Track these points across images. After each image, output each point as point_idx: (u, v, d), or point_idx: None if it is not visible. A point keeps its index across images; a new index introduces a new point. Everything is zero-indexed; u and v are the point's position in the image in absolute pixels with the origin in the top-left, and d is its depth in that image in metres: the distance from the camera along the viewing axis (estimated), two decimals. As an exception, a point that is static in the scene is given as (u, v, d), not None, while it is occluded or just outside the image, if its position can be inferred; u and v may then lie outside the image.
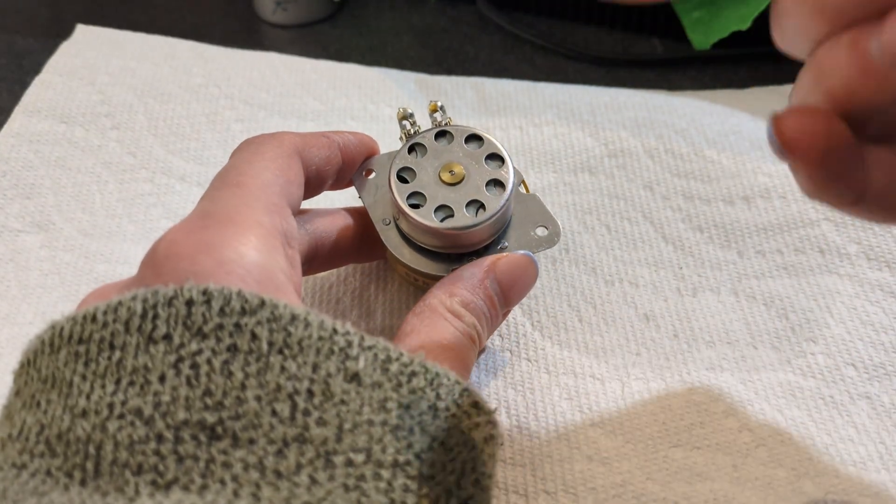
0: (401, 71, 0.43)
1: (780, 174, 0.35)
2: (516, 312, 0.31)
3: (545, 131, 0.38)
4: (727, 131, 0.37)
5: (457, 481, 0.19)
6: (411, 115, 0.29)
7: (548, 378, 0.29)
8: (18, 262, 0.33)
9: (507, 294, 0.27)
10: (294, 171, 0.25)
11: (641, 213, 0.34)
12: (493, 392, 0.29)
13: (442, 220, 0.26)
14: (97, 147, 0.38)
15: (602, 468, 0.26)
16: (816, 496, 0.25)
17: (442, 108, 0.30)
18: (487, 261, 0.27)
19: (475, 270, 0.26)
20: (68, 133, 0.38)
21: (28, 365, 0.19)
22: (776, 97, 0.40)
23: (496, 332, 0.31)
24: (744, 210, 0.34)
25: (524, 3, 0.49)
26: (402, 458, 0.18)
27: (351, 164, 0.28)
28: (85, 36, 0.43)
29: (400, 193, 0.27)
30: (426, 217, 0.26)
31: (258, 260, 0.20)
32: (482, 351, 0.29)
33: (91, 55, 0.42)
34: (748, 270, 0.32)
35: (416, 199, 0.27)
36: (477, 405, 0.21)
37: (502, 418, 0.28)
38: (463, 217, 0.26)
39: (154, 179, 0.37)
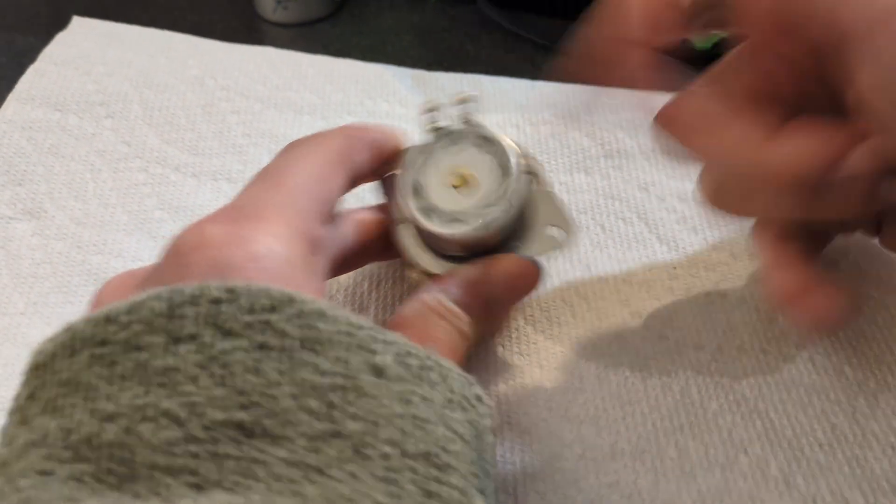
0: (398, 67, 0.43)
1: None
2: (509, 308, 0.31)
3: (542, 130, 0.38)
4: (723, 133, 0.37)
5: (472, 470, 0.20)
6: (436, 108, 0.29)
7: (540, 373, 0.29)
8: (10, 250, 0.33)
9: (503, 297, 0.27)
10: (336, 180, 0.24)
11: (636, 214, 0.35)
12: (485, 388, 0.28)
13: (450, 226, 0.26)
14: (91, 135, 0.38)
15: (593, 466, 0.26)
16: (808, 492, 0.25)
17: (466, 99, 0.29)
18: (488, 262, 0.27)
19: (473, 270, 0.26)
20: (62, 121, 0.38)
21: (43, 367, 0.19)
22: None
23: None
24: (738, 212, 0.34)
25: (525, 2, 0.49)
26: (428, 449, 0.19)
27: (380, 162, 0.28)
28: (81, 27, 0.43)
29: (407, 196, 0.27)
30: (434, 223, 0.26)
31: (286, 256, 0.20)
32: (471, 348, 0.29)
33: (86, 46, 0.42)
34: (741, 272, 0.32)
35: (424, 202, 0.27)
36: (479, 398, 0.22)
37: (494, 414, 0.28)
38: (470, 223, 0.26)
39: (148, 169, 0.37)
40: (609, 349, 0.30)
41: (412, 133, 0.30)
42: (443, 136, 0.28)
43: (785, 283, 0.26)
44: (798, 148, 0.21)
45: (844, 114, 0.21)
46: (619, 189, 0.36)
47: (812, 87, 0.23)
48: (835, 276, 0.28)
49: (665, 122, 0.24)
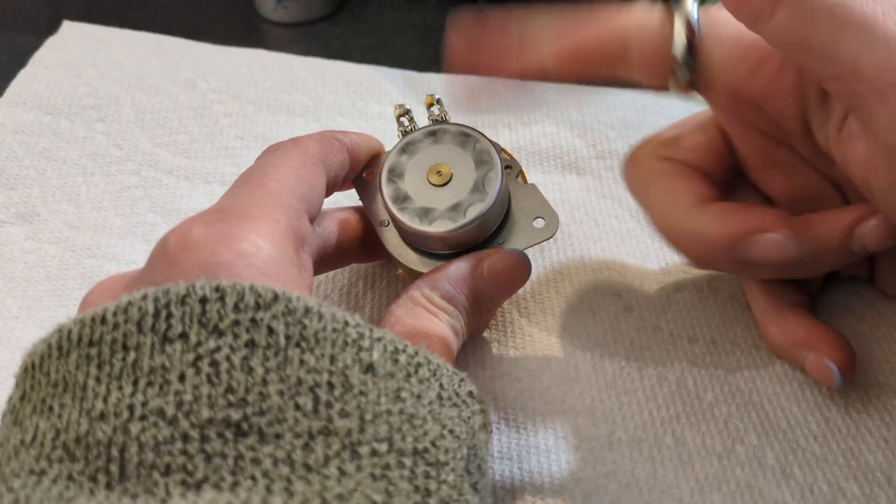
0: (390, 68, 0.43)
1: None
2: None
3: (534, 130, 0.39)
4: (713, 131, 0.37)
5: (466, 467, 0.20)
6: (408, 112, 0.29)
7: (535, 365, 0.29)
8: (3, 255, 0.33)
9: (492, 291, 0.27)
10: (317, 179, 0.25)
11: (629, 212, 0.35)
12: (482, 385, 0.29)
13: (431, 224, 0.26)
14: (83, 139, 0.38)
15: (590, 457, 0.26)
16: (805, 482, 0.26)
17: (439, 101, 0.30)
18: (476, 257, 0.27)
19: (462, 265, 0.26)
20: (53, 124, 0.38)
21: (34, 369, 0.19)
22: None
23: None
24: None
25: (525, 2, 0.49)
26: (420, 446, 0.19)
27: (356, 167, 0.28)
28: (71, 31, 0.43)
29: (388, 196, 0.27)
30: (413, 220, 0.26)
31: (274, 253, 0.20)
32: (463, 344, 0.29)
33: (77, 49, 0.42)
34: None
35: (405, 202, 0.27)
36: (472, 394, 0.22)
37: (490, 411, 0.28)
38: (450, 220, 0.26)
39: (141, 172, 0.37)
40: (604, 339, 0.30)
41: (395, 135, 0.30)
42: (418, 137, 0.28)
43: (777, 338, 0.28)
44: (715, 221, 0.25)
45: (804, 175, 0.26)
46: (611, 189, 0.36)
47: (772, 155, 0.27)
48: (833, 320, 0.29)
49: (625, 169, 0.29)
